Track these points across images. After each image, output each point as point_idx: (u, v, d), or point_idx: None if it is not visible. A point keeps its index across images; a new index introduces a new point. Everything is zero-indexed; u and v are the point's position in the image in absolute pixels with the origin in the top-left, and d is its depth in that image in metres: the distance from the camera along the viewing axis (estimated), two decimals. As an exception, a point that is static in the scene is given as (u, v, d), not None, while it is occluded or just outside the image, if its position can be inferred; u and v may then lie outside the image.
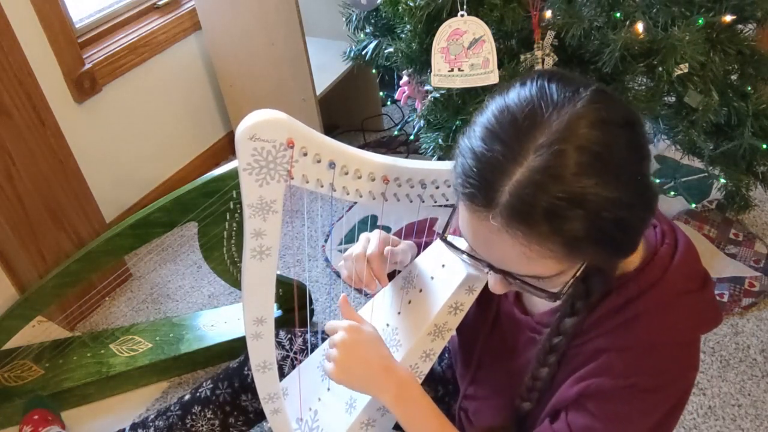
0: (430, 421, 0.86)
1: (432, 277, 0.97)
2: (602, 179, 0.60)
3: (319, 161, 0.76)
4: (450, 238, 0.81)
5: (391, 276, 1.02)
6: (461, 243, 0.77)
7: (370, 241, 0.94)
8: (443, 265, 0.97)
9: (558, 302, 0.74)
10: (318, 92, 2.15)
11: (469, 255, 0.75)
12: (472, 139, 0.65)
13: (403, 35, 1.54)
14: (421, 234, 1.06)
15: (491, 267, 0.71)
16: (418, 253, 1.02)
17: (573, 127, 0.61)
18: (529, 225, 0.62)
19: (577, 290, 0.75)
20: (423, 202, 0.87)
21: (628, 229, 0.65)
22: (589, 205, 0.61)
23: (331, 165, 0.78)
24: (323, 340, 1.12)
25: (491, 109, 0.66)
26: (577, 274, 0.69)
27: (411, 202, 0.87)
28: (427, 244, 1.04)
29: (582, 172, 0.60)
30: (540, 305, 0.87)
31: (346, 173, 0.80)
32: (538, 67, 1.39)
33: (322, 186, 0.79)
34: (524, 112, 0.62)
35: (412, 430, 0.87)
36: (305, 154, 0.75)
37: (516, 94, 0.64)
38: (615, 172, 0.61)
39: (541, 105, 0.62)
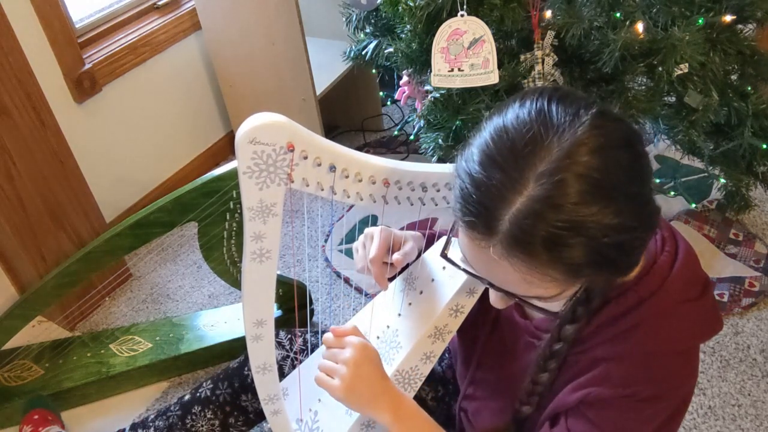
0: None
1: (432, 280, 0.97)
2: (603, 206, 0.60)
3: (319, 164, 0.76)
4: (451, 254, 0.80)
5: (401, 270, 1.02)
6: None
7: (373, 240, 0.93)
8: (444, 267, 0.97)
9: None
10: (318, 92, 2.15)
11: (470, 273, 0.74)
12: (470, 162, 0.64)
13: (403, 35, 1.54)
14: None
15: (492, 285, 0.71)
16: (426, 245, 1.01)
17: (574, 154, 0.59)
18: (530, 254, 0.61)
19: (578, 297, 0.75)
20: (424, 204, 0.87)
21: (629, 250, 0.65)
22: (590, 232, 0.60)
23: (332, 168, 0.78)
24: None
25: (489, 130, 0.64)
26: (578, 294, 0.69)
27: (412, 205, 0.87)
28: (432, 236, 1.03)
29: (583, 201, 0.59)
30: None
31: (347, 176, 0.80)
32: (538, 67, 1.39)
33: (322, 189, 0.79)
34: (524, 137, 0.61)
35: None
36: (305, 158, 0.75)
37: (515, 116, 0.62)
38: (615, 197, 0.61)
39: (540, 130, 0.60)
